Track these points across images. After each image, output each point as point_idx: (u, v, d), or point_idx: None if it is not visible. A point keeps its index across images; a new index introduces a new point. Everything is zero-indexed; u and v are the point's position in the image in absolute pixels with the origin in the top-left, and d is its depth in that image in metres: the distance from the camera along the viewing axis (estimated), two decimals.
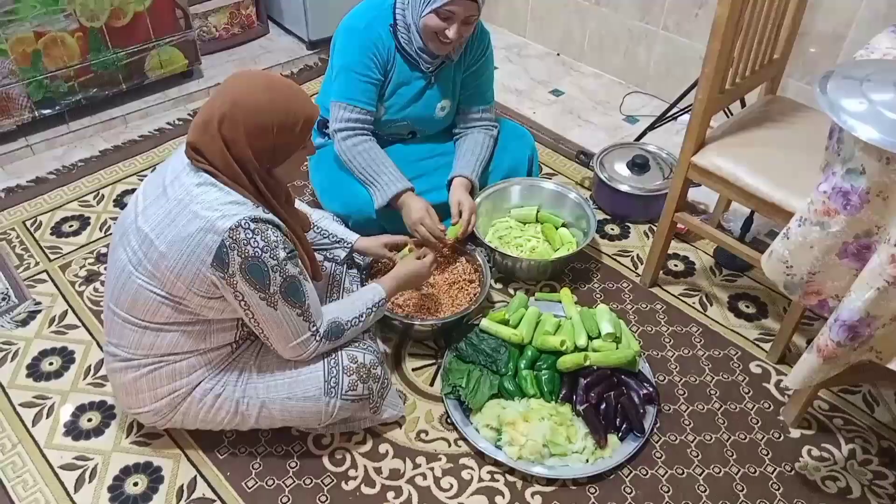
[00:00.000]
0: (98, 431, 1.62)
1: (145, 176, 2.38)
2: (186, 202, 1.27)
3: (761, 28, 1.64)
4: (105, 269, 1.50)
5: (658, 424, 1.65)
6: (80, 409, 1.67)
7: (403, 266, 1.65)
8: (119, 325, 1.39)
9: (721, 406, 1.70)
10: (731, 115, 2.06)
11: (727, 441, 1.62)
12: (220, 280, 1.28)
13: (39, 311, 1.90)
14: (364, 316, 1.50)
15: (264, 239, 1.27)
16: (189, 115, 2.69)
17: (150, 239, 1.29)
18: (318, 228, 1.73)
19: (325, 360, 1.46)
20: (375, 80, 1.85)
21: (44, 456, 1.57)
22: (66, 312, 1.90)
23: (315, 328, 1.40)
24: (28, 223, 2.19)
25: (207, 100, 1.30)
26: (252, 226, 1.26)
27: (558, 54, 3.14)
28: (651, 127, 2.44)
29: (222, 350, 1.44)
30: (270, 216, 1.31)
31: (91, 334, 1.84)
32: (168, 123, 2.65)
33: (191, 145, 1.29)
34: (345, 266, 1.77)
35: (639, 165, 2.21)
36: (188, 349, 1.39)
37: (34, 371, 1.75)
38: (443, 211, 1.91)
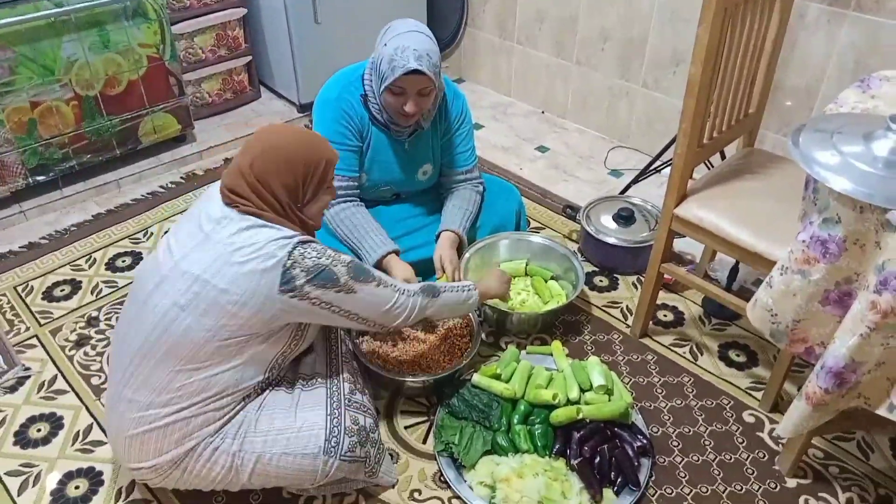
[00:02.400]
0: (85, 499, 1.59)
1: (138, 239, 2.40)
2: (240, 244, 1.34)
3: (735, 85, 1.70)
4: (119, 322, 1.48)
5: (653, 477, 1.63)
6: (68, 477, 1.64)
7: (486, 274, 1.86)
8: (148, 370, 1.37)
9: (716, 457, 1.69)
10: (712, 166, 2.12)
11: (723, 493, 1.61)
12: (293, 299, 1.34)
13: (28, 377, 1.89)
14: (458, 289, 1.64)
15: (314, 250, 1.38)
16: (181, 178, 2.73)
17: (203, 279, 1.34)
18: None
19: (328, 418, 1.46)
20: (353, 146, 1.90)
21: None
22: (55, 377, 1.89)
23: (401, 288, 1.50)
24: (19, 288, 2.19)
25: (238, 150, 1.43)
26: (303, 246, 1.37)
27: (543, 112, 3.23)
28: (635, 180, 2.49)
29: (239, 394, 1.43)
30: (316, 240, 1.43)
31: (80, 399, 1.83)
32: (161, 187, 2.69)
33: (229, 189, 1.38)
34: None
35: (624, 218, 2.25)
36: (215, 392, 1.39)
37: (21, 438, 1.73)
38: (429, 266, 1.94)
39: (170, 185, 2.69)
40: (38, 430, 1.75)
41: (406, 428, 1.76)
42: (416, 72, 1.70)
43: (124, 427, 1.42)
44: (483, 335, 1.96)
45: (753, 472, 1.65)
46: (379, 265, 1.86)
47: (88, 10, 2.34)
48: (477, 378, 1.75)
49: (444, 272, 1.90)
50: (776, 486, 1.62)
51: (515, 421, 1.68)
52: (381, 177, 1.97)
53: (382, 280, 1.47)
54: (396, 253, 1.88)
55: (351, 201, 1.93)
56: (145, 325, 1.39)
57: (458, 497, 1.58)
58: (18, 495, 1.60)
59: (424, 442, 1.72)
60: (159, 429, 1.39)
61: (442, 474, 1.62)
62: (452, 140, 2.02)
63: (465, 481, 1.60)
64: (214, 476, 1.44)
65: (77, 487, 1.62)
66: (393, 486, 1.62)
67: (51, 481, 1.63)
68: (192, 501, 1.55)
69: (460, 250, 1.99)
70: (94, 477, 1.64)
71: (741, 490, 1.61)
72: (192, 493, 1.50)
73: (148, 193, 2.65)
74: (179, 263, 1.37)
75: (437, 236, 1.99)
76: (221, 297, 1.33)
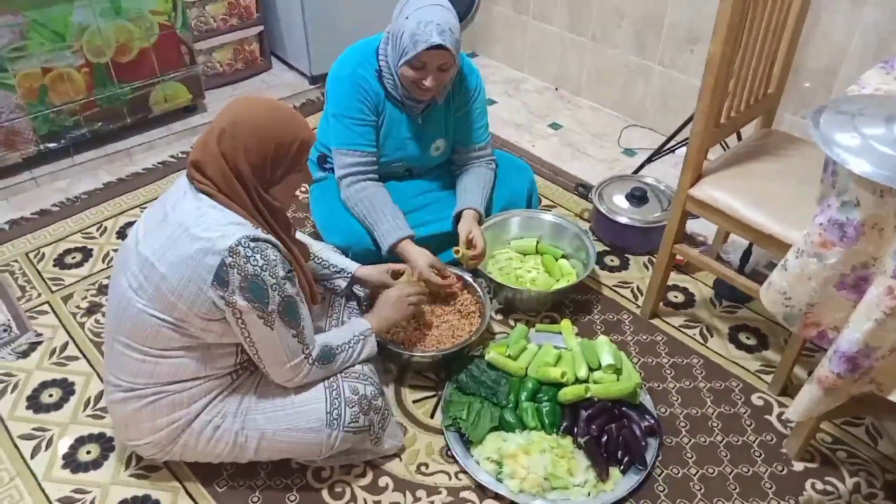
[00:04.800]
0: (96, 464, 1.61)
1: (149, 206, 2.40)
2: (187, 225, 1.29)
3: (755, 64, 1.67)
4: (107, 300, 1.51)
5: (660, 457, 1.64)
6: (79, 442, 1.66)
7: (385, 297, 1.68)
8: (119, 354, 1.39)
9: (723, 438, 1.69)
10: (728, 147, 2.09)
11: (730, 474, 1.61)
12: (220, 299, 1.29)
13: (40, 343, 1.91)
14: (352, 343, 1.52)
15: (263, 258, 1.29)
16: (192, 148, 2.72)
17: (150, 262, 1.31)
18: (318, 259, 1.74)
19: (327, 391, 1.46)
20: (370, 121, 1.88)
21: (41, 489, 1.56)
22: (66, 344, 1.90)
23: (308, 351, 1.41)
24: (31, 255, 2.20)
25: (212, 120, 1.34)
26: (251, 244, 1.28)
27: (556, 89, 3.19)
28: (649, 159, 2.47)
29: (223, 380, 1.44)
30: (269, 236, 1.33)
31: (91, 366, 1.84)
32: (171, 157, 2.68)
33: (192, 163, 1.33)
34: (343, 298, 1.78)
35: (637, 197, 2.23)
36: (188, 377, 1.39)
37: (34, 403, 1.75)
38: (443, 242, 1.93)
39: (180, 155, 2.68)
40: (50, 396, 1.77)
41: (414, 402, 1.77)
42: (438, 46, 1.68)
43: (116, 407, 1.45)
44: (492, 312, 1.96)
45: (761, 455, 1.65)
46: (394, 250, 1.85)
47: None
48: (492, 356, 1.75)
49: (466, 248, 1.89)
50: (783, 470, 1.62)
51: (523, 398, 1.68)
52: (394, 152, 1.96)
53: (302, 334, 1.38)
54: (412, 238, 1.87)
55: (371, 179, 1.91)
56: (111, 306, 1.41)
57: (465, 472, 1.59)
58: (31, 458, 1.62)
59: (432, 416, 1.73)
60: (146, 407, 1.40)
61: (449, 449, 1.63)
62: (466, 116, 2.00)
63: (472, 456, 1.61)
64: (219, 452, 1.46)
65: (88, 452, 1.64)
66: (399, 454, 1.63)
67: (63, 445, 1.65)
68: (201, 469, 1.57)
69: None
70: (105, 442, 1.66)
71: (748, 472, 1.61)
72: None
73: (158, 163, 2.65)
74: (139, 243, 1.35)
75: (458, 215, 1.97)
76: (162, 284, 1.30)
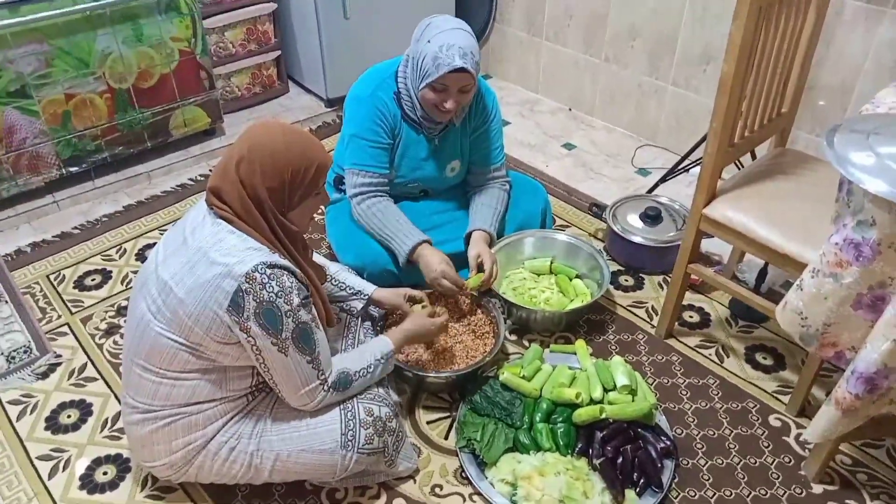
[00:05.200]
0: (113, 485, 1.62)
1: (168, 229, 2.43)
2: (205, 250, 1.31)
3: (768, 83, 1.67)
4: (125, 322, 1.54)
5: (676, 479, 1.62)
6: (96, 463, 1.67)
7: (413, 320, 1.67)
8: (137, 376, 1.40)
9: (740, 460, 1.67)
10: (742, 166, 2.09)
11: (748, 497, 1.59)
12: (235, 324, 1.30)
13: (60, 364, 1.93)
14: (372, 367, 1.51)
15: (279, 284, 1.30)
16: (210, 170, 2.76)
17: (169, 286, 1.33)
18: (335, 281, 1.75)
19: (342, 412, 1.47)
20: (385, 144, 1.90)
21: None
22: (85, 365, 1.93)
23: (324, 377, 1.41)
24: (52, 277, 2.24)
25: (228, 147, 1.36)
26: (268, 271, 1.29)
27: (570, 109, 3.21)
28: (663, 179, 2.46)
29: (238, 401, 1.45)
30: (286, 262, 1.34)
31: (109, 387, 1.86)
32: (190, 179, 2.72)
33: (211, 189, 1.35)
34: (360, 319, 1.79)
35: (651, 217, 2.23)
36: (204, 399, 1.40)
37: (52, 424, 1.77)
38: (458, 261, 1.94)
39: (199, 178, 2.72)
40: (69, 416, 1.79)
41: (428, 423, 1.76)
42: (460, 69, 1.71)
43: (133, 429, 1.46)
44: (506, 333, 1.96)
45: (779, 477, 1.63)
46: (412, 257, 1.86)
47: (123, 4, 2.37)
48: (506, 377, 1.75)
49: (478, 271, 1.89)
50: (802, 492, 1.60)
51: (538, 419, 1.67)
52: (410, 173, 1.98)
53: (317, 360, 1.38)
54: (429, 243, 1.88)
55: (380, 196, 1.94)
56: (130, 328, 1.42)
57: (480, 493, 1.58)
58: (49, 479, 1.64)
59: (446, 438, 1.73)
60: (162, 429, 1.41)
61: (463, 470, 1.62)
62: (482, 137, 2.02)
63: (487, 478, 1.60)
64: (234, 474, 1.46)
65: (105, 473, 1.65)
66: (414, 476, 1.62)
67: (80, 466, 1.66)
68: (216, 490, 1.57)
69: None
70: (121, 463, 1.67)
71: (766, 495, 1.59)
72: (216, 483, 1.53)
73: (178, 185, 2.69)
74: (158, 266, 1.37)
75: (468, 236, 1.98)
76: (180, 308, 1.31)
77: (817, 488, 1.60)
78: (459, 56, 1.70)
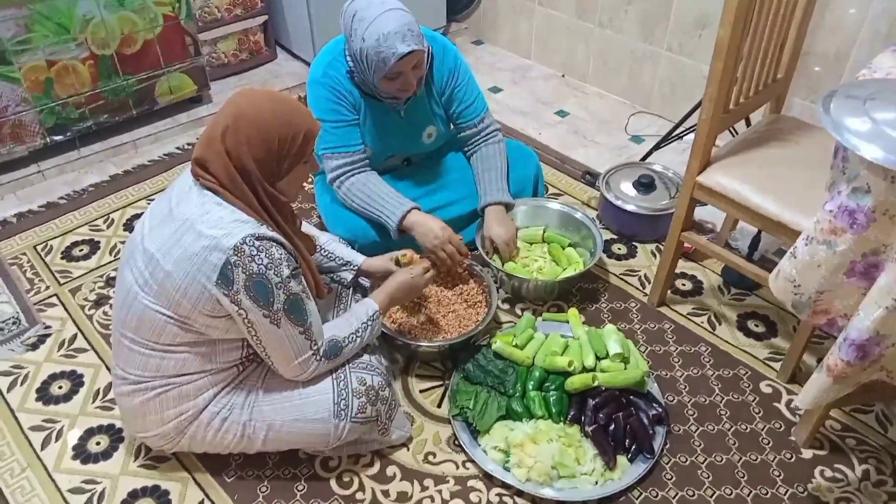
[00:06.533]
0: (106, 455, 1.62)
1: (154, 199, 2.40)
2: (192, 222, 1.28)
3: (764, 48, 1.65)
4: (114, 292, 1.52)
5: (668, 445, 1.63)
6: (89, 433, 1.67)
7: (396, 277, 1.63)
8: (126, 347, 1.39)
9: (731, 426, 1.68)
10: (737, 133, 2.07)
11: (738, 462, 1.61)
12: (225, 297, 1.28)
13: (49, 335, 1.92)
14: (360, 331, 1.50)
15: (268, 256, 1.28)
16: (198, 139, 2.71)
17: (156, 259, 1.31)
18: (324, 251, 1.74)
19: (335, 382, 1.46)
20: (351, 120, 1.85)
21: (52, 480, 1.58)
22: (75, 336, 1.91)
23: (316, 347, 1.41)
24: (39, 248, 2.21)
25: (213, 116, 1.33)
26: (256, 243, 1.27)
27: (563, 76, 3.17)
28: (656, 146, 2.45)
29: (229, 371, 1.44)
30: (274, 234, 1.32)
31: (100, 357, 1.85)
32: (177, 148, 2.68)
33: (196, 160, 1.32)
34: (350, 290, 1.78)
35: (645, 185, 2.22)
36: (194, 370, 1.40)
37: (43, 395, 1.76)
38: (456, 225, 1.92)
39: (186, 147, 2.68)
40: (60, 387, 1.78)
41: (421, 392, 1.77)
42: (407, 53, 1.66)
43: (124, 400, 1.45)
44: (499, 301, 1.95)
45: (769, 443, 1.65)
46: (404, 225, 1.83)
47: None
48: (498, 345, 1.75)
49: (496, 253, 1.90)
50: (792, 457, 1.62)
51: (530, 387, 1.68)
52: (383, 147, 1.94)
53: (309, 331, 1.38)
54: (417, 209, 1.85)
55: (360, 172, 1.89)
56: (117, 300, 1.41)
57: (472, 461, 1.59)
58: (42, 449, 1.63)
59: (439, 406, 1.73)
60: (153, 400, 1.41)
61: (456, 438, 1.63)
62: (454, 95, 1.95)
63: (480, 445, 1.61)
64: (228, 442, 1.47)
65: (98, 443, 1.65)
66: (407, 444, 1.63)
67: (72, 437, 1.66)
68: (209, 459, 1.58)
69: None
70: (114, 433, 1.67)
71: (756, 460, 1.61)
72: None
73: (164, 154, 2.65)
74: (144, 238, 1.35)
75: (481, 212, 1.96)
76: (167, 281, 1.30)
77: (807, 453, 1.62)
78: (400, 41, 1.64)
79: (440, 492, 1.55)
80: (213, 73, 2.97)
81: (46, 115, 2.44)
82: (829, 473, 1.59)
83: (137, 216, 2.33)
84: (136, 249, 1.36)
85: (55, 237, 2.25)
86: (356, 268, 1.74)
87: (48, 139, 2.48)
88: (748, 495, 1.54)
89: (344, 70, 1.83)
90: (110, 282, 2.07)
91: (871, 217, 1.16)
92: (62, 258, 2.17)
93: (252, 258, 1.27)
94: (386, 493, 1.55)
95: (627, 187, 2.24)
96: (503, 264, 1.95)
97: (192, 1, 2.68)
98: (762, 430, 1.67)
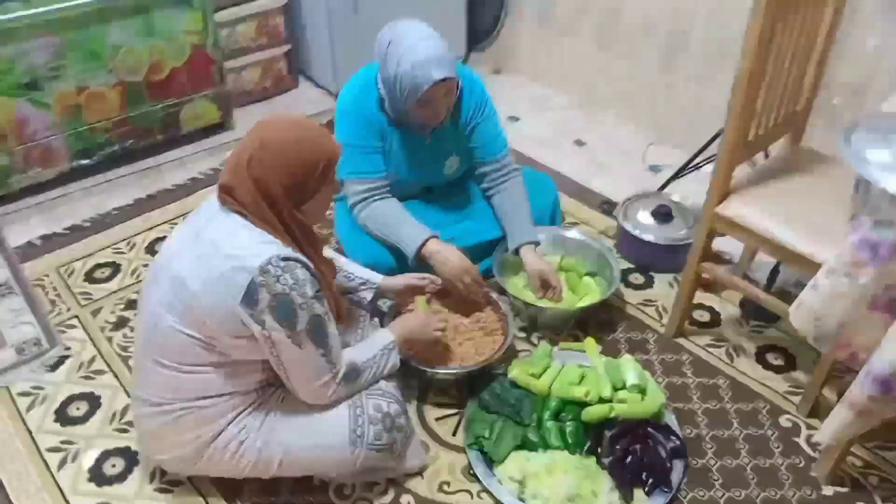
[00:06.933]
0: (121, 478, 1.63)
1: (177, 224, 2.44)
2: (219, 244, 1.31)
3: (784, 80, 1.65)
4: (135, 315, 1.54)
5: (686, 479, 1.60)
6: (105, 455, 1.68)
7: (418, 317, 1.67)
8: (148, 369, 1.41)
9: (750, 461, 1.65)
10: (755, 164, 2.07)
11: (757, 498, 1.58)
12: (249, 317, 1.30)
13: (69, 356, 1.94)
14: (377, 358, 1.51)
15: (293, 277, 1.30)
16: (221, 164, 2.76)
17: (182, 280, 1.33)
18: (344, 272, 1.75)
19: (351, 408, 1.46)
20: (376, 147, 1.88)
21: (67, 502, 1.58)
22: (94, 358, 1.93)
23: (336, 370, 1.41)
24: (62, 269, 2.24)
25: (238, 143, 1.36)
26: (282, 263, 1.29)
27: (582, 105, 3.19)
28: (674, 177, 2.44)
29: (248, 395, 1.45)
30: (299, 255, 1.34)
31: (118, 380, 1.87)
32: (200, 173, 2.72)
33: (222, 187, 1.35)
34: (368, 315, 1.78)
35: (663, 215, 2.21)
36: (215, 393, 1.40)
37: (61, 416, 1.77)
38: (474, 253, 1.93)
39: (209, 172, 2.72)
40: (78, 409, 1.79)
41: (436, 420, 1.76)
42: (441, 80, 1.69)
43: (142, 421, 1.46)
44: (515, 330, 1.95)
45: (789, 479, 1.61)
46: (421, 254, 1.84)
47: None
48: (515, 374, 1.74)
49: (543, 289, 1.93)
50: (812, 494, 1.58)
51: (546, 417, 1.66)
52: (407, 175, 1.96)
53: (330, 353, 1.38)
54: (436, 238, 1.86)
55: (380, 199, 1.91)
56: (142, 322, 1.43)
57: (487, 491, 1.57)
58: (58, 471, 1.64)
59: (454, 434, 1.72)
60: (172, 422, 1.42)
61: (471, 468, 1.61)
62: (479, 128, 1.97)
63: (495, 476, 1.59)
64: (243, 468, 1.46)
65: (114, 466, 1.65)
66: (422, 472, 1.62)
67: (88, 459, 1.67)
68: (224, 483, 1.58)
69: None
70: (130, 456, 1.67)
71: (776, 496, 1.58)
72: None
73: (188, 179, 2.69)
74: (170, 260, 1.37)
75: (515, 252, 1.97)
76: (193, 302, 1.31)
77: (828, 490, 1.59)
78: (436, 67, 1.67)
79: None
80: (237, 100, 3.02)
81: (74, 140, 2.49)
82: None
83: (160, 240, 2.37)
84: (162, 271, 1.38)
85: (78, 259, 2.29)
86: (375, 286, 1.75)
87: (75, 163, 2.53)
88: None
89: (374, 97, 1.86)
90: (131, 304, 2.09)
91: (893, 250, 1.15)
92: (84, 280, 2.20)
93: (277, 278, 1.28)
94: None
95: (645, 217, 2.24)
96: (555, 300, 1.95)
97: (219, 30, 2.74)
98: (782, 465, 1.64)
